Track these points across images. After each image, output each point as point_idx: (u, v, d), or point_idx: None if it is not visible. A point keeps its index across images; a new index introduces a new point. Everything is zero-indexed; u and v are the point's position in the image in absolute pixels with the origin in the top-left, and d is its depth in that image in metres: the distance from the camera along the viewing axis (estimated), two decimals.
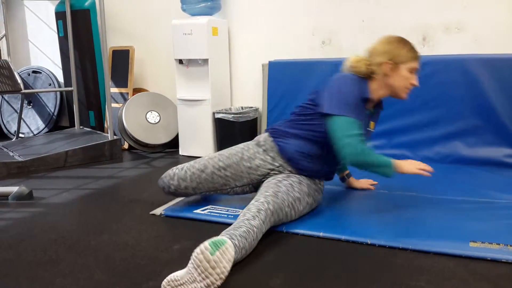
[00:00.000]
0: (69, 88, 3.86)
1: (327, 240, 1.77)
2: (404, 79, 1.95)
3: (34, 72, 4.37)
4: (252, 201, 1.76)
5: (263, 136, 2.08)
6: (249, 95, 3.57)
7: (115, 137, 3.44)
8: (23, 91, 3.58)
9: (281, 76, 3.29)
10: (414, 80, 1.96)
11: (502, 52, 2.81)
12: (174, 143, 3.64)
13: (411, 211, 1.99)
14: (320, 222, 1.91)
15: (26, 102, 4.38)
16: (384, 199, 2.19)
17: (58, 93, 4.32)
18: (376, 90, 2.00)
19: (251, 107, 3.48)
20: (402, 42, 1.96)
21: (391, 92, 2.01)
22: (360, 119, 1.90)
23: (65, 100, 4.42)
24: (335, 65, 3.13)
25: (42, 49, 4.53)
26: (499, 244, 1.61)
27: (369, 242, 1.71)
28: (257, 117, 3.48)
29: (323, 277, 1.48)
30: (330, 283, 1.43)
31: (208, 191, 2.13)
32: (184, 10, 3.37)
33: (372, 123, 2.10)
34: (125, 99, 3.76)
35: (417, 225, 1.83)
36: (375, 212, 2.02)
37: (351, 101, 1.88)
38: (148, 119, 3.64)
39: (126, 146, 3.74)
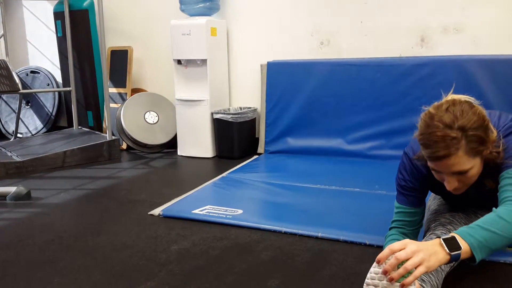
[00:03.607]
0: (68, 88, 3.85)
1: (325, 241, 1.77)
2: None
3: (32, 72, 4.36)
4: None
5: None
6: (248, 95, 3.56)
7: (113, 137, 3.43)
8: (21, 91, 3.58)
9: (280, 76, 3.29)
10: (445, 182, 1.30)
11: (501, 53, 2.81)
12: (172, 144, 3.64)
13: None
14: (318, 223, 1.92)
15: (24, 102, 4.37)
16: (382, 200, 2.19)
17: (57, 93, 4.31)
18: None
19: (250, 108, 3.48)
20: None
21: None
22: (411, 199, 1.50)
23: (63, 100, 4.41)
24: (333, 66, 3.13)
25: (40, 49, 4.52)
26: None
27: (367, 242, 1.71)
28: (255, 118, 3.48)
29: (320, 277, 1.48)
30: (328, 283, 1.43)
31: None
32: (182, 10, 3.37)
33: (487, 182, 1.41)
34: (124, 99, 3.76)
35: None
36: (373, 213, 2.02)
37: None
38: (146, 119, 3.63)
39: (124, 146, 3.73)
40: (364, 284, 1.13)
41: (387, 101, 2.99)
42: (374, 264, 1.13)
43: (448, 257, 1.08)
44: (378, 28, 3.10)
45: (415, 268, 1.05)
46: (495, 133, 1.30)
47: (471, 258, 1.10)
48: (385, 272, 1.08)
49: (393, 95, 2.99)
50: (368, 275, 1.13)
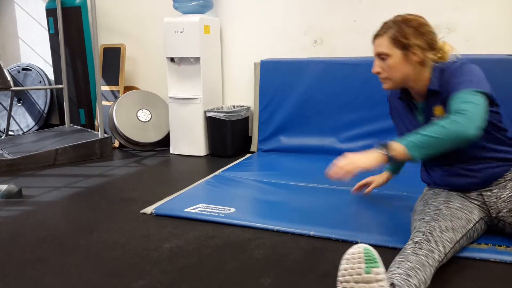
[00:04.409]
0: (60, 86, 3.83)
1: (317, 239, 1.77)
2: None
3: (24, 69, 4.33)
4: None
5: None
6: (241, 94, 3.56)
7: (105, 135, 3.42)
8: (13, 88, 3.55)
9: (273, 75, 3.29)
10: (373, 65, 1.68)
11: (493, 53, 2.83)
12: (165, 142, 3.63)
13: (402, 211, 2.00)
14: (311, 221, 1.92)
15: (16, 99, 4.34)
16: (375, 198, 2.19)
17: (48, 91, 4.28)
18: None
19: (243, 106, 3.47)
20: None
21: None
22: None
23: (55, 98, 4.39)
24: (327, 65, 3.14)
25: (32, 46, 4.49)
26: (487, 244, 1.62)
27: (359, 241, 1.72)
28: (248, 116, 3.47)
29: (313, 275, 1.48)
30: (320, 281, 1.44)
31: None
32: (176, 8, 3.36)
33: (436, 109, 1.63)
34: (116, 97, 3.74)
35: (406, 225, 1.83)
36: (365, 212, 2.03)
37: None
38: (139, 117, 3.62)
39: (116, 144, 3.72)
40: (337, 282, 1.17)
41: (380, 100, 2.99)
42: (342, 261, 1.18)
43: (384, 156, 1.41)
44: (372, 27, 3.10)
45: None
46: (438, 54, 1.66)
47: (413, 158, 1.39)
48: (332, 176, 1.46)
49: (386, 94, 2.99)
50: (339, 273, 1.18)
